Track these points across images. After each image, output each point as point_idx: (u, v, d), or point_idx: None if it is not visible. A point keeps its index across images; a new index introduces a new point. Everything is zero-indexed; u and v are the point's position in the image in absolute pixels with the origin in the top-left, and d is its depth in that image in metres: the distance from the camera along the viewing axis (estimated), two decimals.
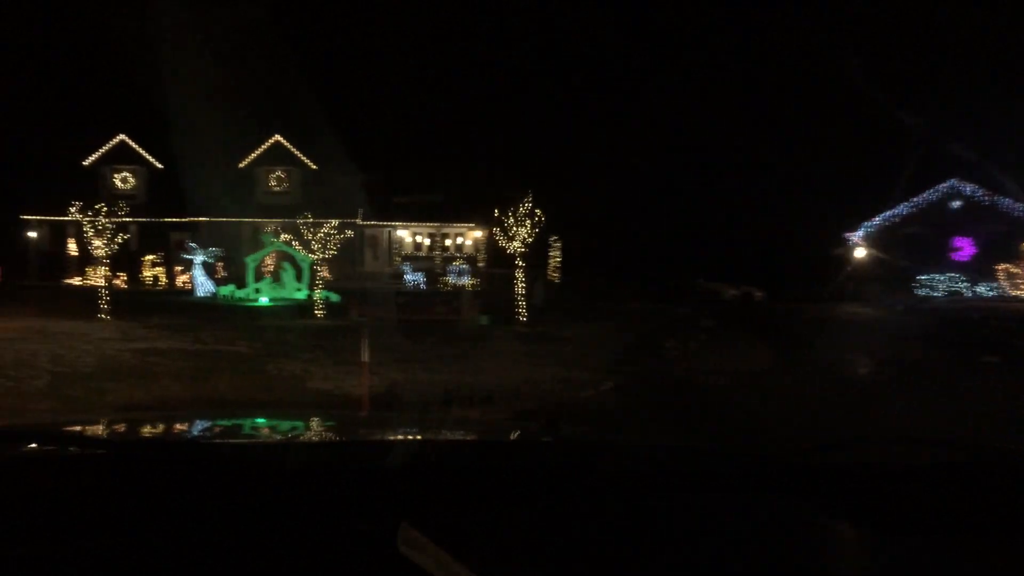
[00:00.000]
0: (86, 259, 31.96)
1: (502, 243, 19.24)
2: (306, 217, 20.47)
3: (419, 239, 38.78)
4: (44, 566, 1.21)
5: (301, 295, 23.80)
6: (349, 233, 27.04)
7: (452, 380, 11.63)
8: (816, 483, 1.66)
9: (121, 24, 32.58)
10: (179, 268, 30.08)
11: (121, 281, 21.00)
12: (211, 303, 23.18)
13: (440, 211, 37.04)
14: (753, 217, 42.36)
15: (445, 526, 1.26)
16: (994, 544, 1.37)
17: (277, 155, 36.96)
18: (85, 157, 35.78)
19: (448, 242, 38.92)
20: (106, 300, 19.01)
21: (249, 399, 10.79)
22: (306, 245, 20.58)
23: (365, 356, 8.01)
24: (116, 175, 36.12)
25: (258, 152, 36.79)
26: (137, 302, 20.82)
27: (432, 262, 36.35)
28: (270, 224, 31.43)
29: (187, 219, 33.35)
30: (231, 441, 2.20)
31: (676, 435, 5.63)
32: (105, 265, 20.43)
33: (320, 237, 20.22)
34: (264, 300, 23.07)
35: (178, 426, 2.59)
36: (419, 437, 2.32)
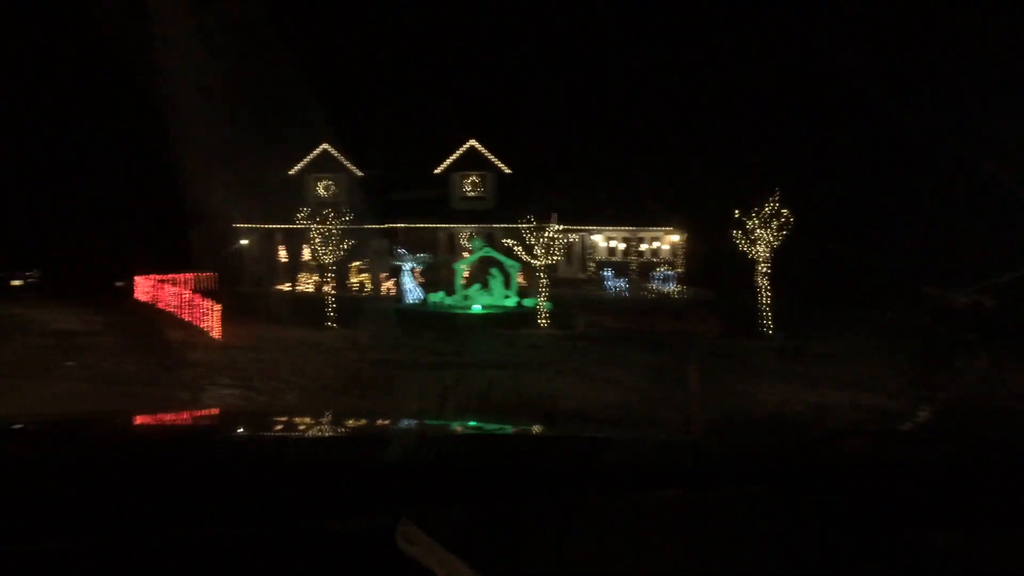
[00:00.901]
0: (295, 266, 32.81)
1: (743, 247, 17.34)
2: (529, 221, 19.37)
3: (613, 243, 37.35)
4: (44, 566, 1.20)
5: (510, 302, 22.89)
6: (574, 238, 25.92)
7: (728, 405, 10.16)
8: (816, 482, 1.62)
9: (322, 38, 33.30)
10: (384, 275, 30.10)
11: (330, 287, 20.88)
12: (424, 310, 22.67)
13: (636, 214, 35.48)
14: (976, 214, 37.98)
15: (444, 522, 1.24)
16: (994, 542, 1.37)
17: (471, 160, 36.68)
18: (291, 167, 36.86)
19: (643, 247, 37.27)
20: (332, 308, 18.79)
21: (505, 419, 9.78)
22: (528, 250, 19.51)
23: (694, 384, 6.65)
24: (319, 183, 37.01)
25: (453, 157, 36.63)
26: (351, 309, 20.56)
27: (627, 267, 34.89)
28: (466, 229, 30.95)
29: (385, 225, 33.54)
30: (231, 440, 2.13)
31: None
32: (331, 272, 20.32)
33: (544, 242, 19.09)
34: (477, 308, 22.27)
35: (179, 425, 2.58)
36: (418, 434, 2.25)
